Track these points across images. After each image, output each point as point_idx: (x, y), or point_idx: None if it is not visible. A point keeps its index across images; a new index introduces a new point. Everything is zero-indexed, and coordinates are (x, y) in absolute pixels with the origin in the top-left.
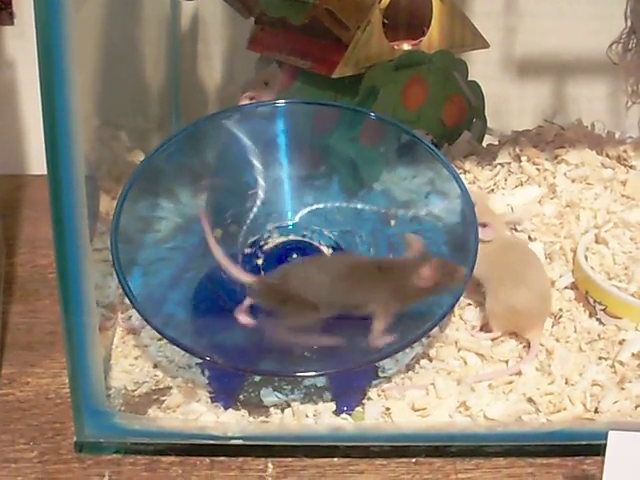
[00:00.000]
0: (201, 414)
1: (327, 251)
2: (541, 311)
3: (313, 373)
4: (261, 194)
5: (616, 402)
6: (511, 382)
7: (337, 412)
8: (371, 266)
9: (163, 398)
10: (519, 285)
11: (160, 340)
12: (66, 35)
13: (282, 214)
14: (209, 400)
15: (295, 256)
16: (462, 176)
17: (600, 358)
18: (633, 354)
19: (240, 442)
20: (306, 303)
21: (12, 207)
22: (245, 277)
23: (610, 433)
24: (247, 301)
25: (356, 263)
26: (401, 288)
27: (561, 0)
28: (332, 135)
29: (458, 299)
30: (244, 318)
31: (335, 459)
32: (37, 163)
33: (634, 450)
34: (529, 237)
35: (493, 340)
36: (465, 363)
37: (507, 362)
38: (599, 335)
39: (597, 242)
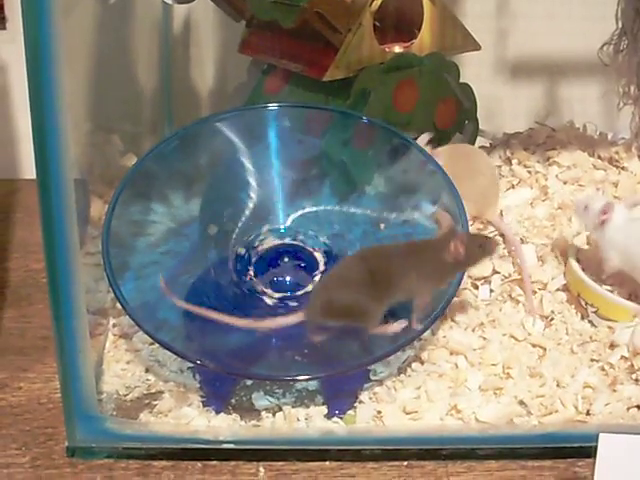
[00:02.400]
0: (193, 418)
1: (318, 254)
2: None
3: (304, 377)
4: (253, 197)
5: (608, 404)
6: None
7: (329, 416)
8: (404, 251)
9: (155, 402)
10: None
11: (152, 344)
12: (55, 40)
13: (274, 217)
14: (201, 404)
15: (286, 259)
16: None
17: (592, 360)
18: (624, 356)
19: (232, 446)
20: (360, 308)
21: (5, 211)
22: (294, 317)
23: (601, 436)
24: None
25: (387, 252)
26: (436, 266)
27: (553, 2)
28: (324, 138)
29: (449, 301)
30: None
31: (327, 463)
32: (30, 167)
33: (625, 452)
34: (521, 239)
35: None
36: (456, 366)
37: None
38: (591, 337)
39: (589, 244)
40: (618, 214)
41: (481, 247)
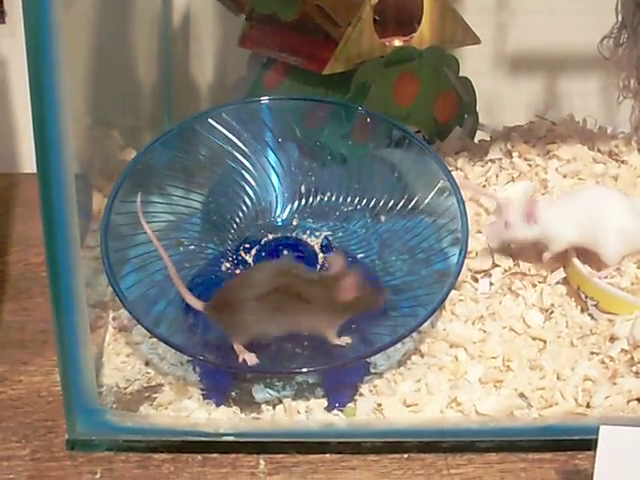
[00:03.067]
0: (193, 411)
1: (317, 247)
2: None
3: (304, 370)
4: (252, 190)
5: (608, 397)
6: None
7: (329, 408)
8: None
9: (155, 395)
10: None
11: (152, 338)
12: (55, 34)
13: (273, 210)
14: (201, 397)
15: (286, 252)
16: (454, 172)
17: (592, 353)
18: (624, 349)
19: (232, 439)
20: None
21: (5, 205)
22: (197, 303)
23: (601, 428)
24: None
25: (285, 281)
26: (331, 302)
27: None
28: (323, 132)
29: (448, 294)
30: (248, 356)
31: (327, 455)
32: (29, 161)
33: (625, 445)
34: None
35: None
36: (456, 359)
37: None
38: (591, 330)
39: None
40: (543, 203)
41: (373, 294)
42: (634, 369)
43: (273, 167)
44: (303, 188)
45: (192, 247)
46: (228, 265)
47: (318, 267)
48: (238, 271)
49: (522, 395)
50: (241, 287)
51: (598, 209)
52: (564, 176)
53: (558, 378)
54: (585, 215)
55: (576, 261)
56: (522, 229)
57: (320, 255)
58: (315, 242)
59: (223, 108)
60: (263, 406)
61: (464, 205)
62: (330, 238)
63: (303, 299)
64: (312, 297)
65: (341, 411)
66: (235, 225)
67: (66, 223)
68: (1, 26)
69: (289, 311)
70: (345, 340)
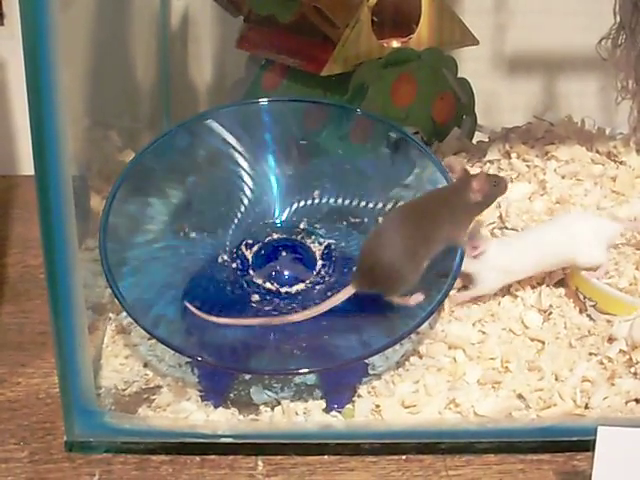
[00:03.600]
0: (191, 413)
1: (316, 248)
2: None
3: (303, 371)
4: (251, 192)
5: (606, 398)
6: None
7: (327, 410)
8: (434, 201)
9: (153, 397)
10: None
11: (150, 339)
12: (53, 35)
13: (272, 211)
14: (199, 399)
15: (284, 254)
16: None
17: (590, 354)
18: (622, 350)
19: (230, 440)
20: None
21: (3, 207)
22: (344, 293)
23: (599, 429)
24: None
25: (417, 209)
26: (463, 208)
27: None
28: (322, 133)
29: (446, 295)
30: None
31: (325, 457)
32: (28, 163)
33: (623, 445)
34: None
35: None
36: (455, 360)
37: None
38: (589, 331)
39: None
40: (491, 244)
41: (495, 185)
42: (632, 370)
43: (271, 168)
44: (301, 189)
45: (190, 249)
46: (227, 266)
47: (315, 272)
48: (238, 272)
49: (520, 396)
50: (381, 245)
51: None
52: (562, 177)
53: (556, 379)
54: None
55: None
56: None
57: (317, 256)
58: (316, 246)
59: (222, 109)
60: (261, 408)
61: None
62: (330, 240)
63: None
64: (447, 209)
65: (339, 412)
66: (233, 226)
67: (64, 225)
68: (0, 28)
69: (426, 233)
70: (417, 299)
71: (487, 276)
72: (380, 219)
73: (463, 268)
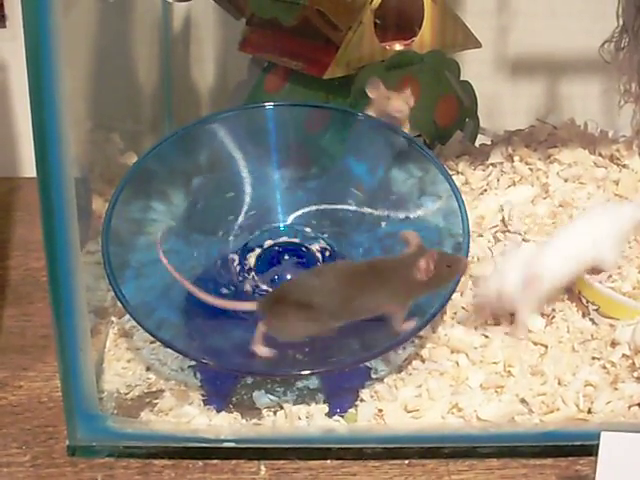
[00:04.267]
0: (194, 417)
1: (318, 252)
2: None
3: (305, 372)
4: (253, 196)
5: (609, 402)
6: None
7: (330, 414)
8: (370, 268)
9: (156, 401)
10: None
11: (153, 343)
12: (55, 38)
13: (274, 216)
14: (202, 403)
15: (287, 258)
16: (454, 177)
17: (593, 358)
18: (625, 355)
19: (233, 445)
20: (317, 311)
21: (5, 210)
22: (246, 305)
23: (602, 434)
24: (260, 330)
25: (354, 268)
26: (404, 285)
27: None
28: (324, 137)
29: (449, 299)
30: (261, 350)
31: (328, 461)
32: (30, 166)
33: (626, 450)
34: (522, 238)
35: None
36: (457, 364)
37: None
38: (592, 335)
39: None
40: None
41: (450, 267)
42: (635, 374)
43: (274, 172)
44: (304, 193)
45: (193, 253)
46: (229, 270)
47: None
48: (241, 276)
49: (523, 401)
50: (304, 290)
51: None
52: (565, 180)
53: (559, 383)
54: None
55: None
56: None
57: (320, 261)
58: (316, 247)
59: (224, 113)
60: (264, 412)
61: (465, 209)
62: (332, 244)
63: (374, 285)
64: (385, 281)
65: (342, 417)
66: (236, 230)
67: (66, 228)
68: (2, 30)
69: (357, 302)
70: (410, 325)
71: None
72: (385, 228)
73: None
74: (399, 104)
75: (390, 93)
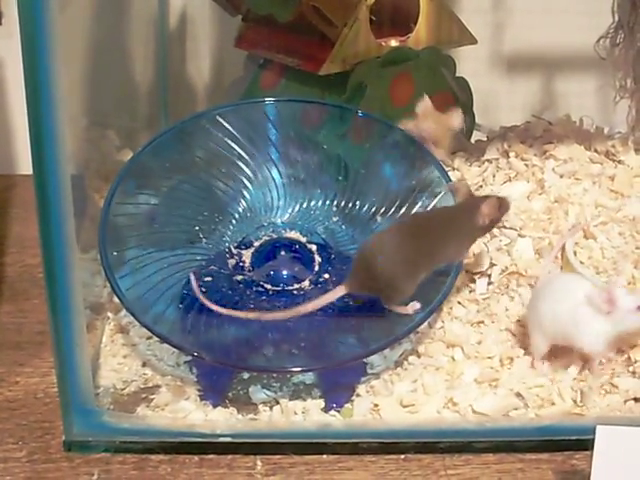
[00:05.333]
0: (190, 412)
1: (315, 248)
2: None
3: (302, 368)
4: (249, 192)
5: (605, 397)
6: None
7: (326, 409)
8: (438, 220)
9: (152, 396)
10: None
11: (149, 339)
12: (51, 35)
13: (270, 212)
14: (198, 398)
15: (283, 253)
16: (450, 173)
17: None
18: (620, 349)
19: (229, 440)
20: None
21: (1, 207)
22: (335, 293)
23: (598, 428)
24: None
25: (423, 223)
26: (468, 230)
27: None
28: (320, 133)
29: (446, 295)
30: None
31: (324, 456)
32: (26, 163)
33: (622, 444)
34: (518, 234)
35: None
36: (453, 359)
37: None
38: None
39: (586, 237)
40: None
41: (501, 209)
42: (631, 369)
43: (270, 168)
44: (300, 189)
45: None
46: (226, 265)
47: (314, 272)
48: (238, 271)
49: (519, 395)
50: (380, 252)
51: None
52: (561, 176)
53: (555, 378)
54: None
55: (573, 260)
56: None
57: (317, 257)
58: (313, 243)
59: (220, 109)
60: (260, 407)
61: None
62: (327, 239)
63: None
64: (454, 229)
65: (338, 412)
66: (232, 226)
67: (62, 224)
68: None
69: (428, 249)
70: (414, 307)
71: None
72: (381, 224)
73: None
74: (428, 125)
75: (432, 113)
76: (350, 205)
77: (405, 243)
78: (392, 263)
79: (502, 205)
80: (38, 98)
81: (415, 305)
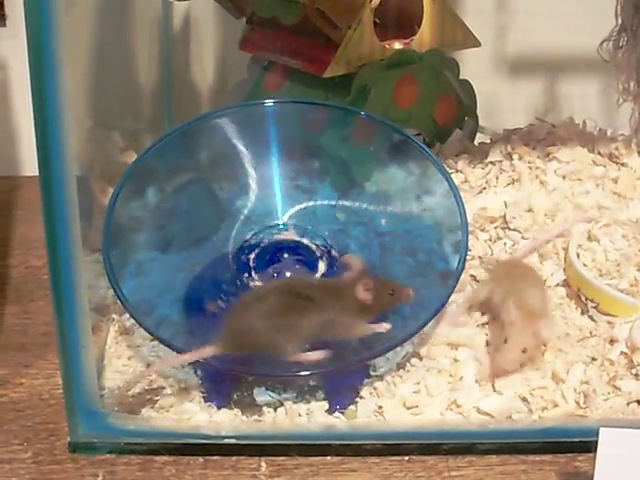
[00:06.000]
0: (194, 414)
1: (318, 251)
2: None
3: (305, 373)
4: (252, 193)
5: (608, 399)
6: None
7: (330, 411)
8: (321, 289)
9: (156, 398)
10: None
11: (153, 340)
12: (57, 37)
13: (273, 214)
14: (202, 400)
15: (286, 255)
16: (454, 175)
17: (591, 356)
18: (623, 352)
19: (233, 441)
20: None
21: (6, 208)
22: (204, 352)
23: (601, 430)
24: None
25: (304, 288)
26: (348, 308)
27: None
28: (324, 135)
29: (449, 296)
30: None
31: (328, 457)
32: (30, 164)
33: (625, 446)
34: (521, 236)
35: None
36: (455, 361)
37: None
38: (591, 332)
39: (589, 239)
40: None
41: (393, 294)
42: (634, 371)
43: (274, 170)
44: (303, 191)
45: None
46: (228, 268)
47: (317, 274)
48: (240, 274)
49: (522, 398)
50: (250, 319)
51: None
52: (564, 178)
53: (558, 380)
54: None
55: (576, 262)
56: None
57: (320, 258)
58: (316, 245)
59: (224, 111)
60: (264, 409)
61: (464, 207)
62: (330, 241)
63: (319, 308)
64: (328, 304)
65: (342, 413)
66: (235, 227)
67: (68, 226)
68: (2, 29)
69: (309, 324)
70: (385, 326)
71: None
72: (385, 226)
73: None
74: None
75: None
76: (353, 207)
77: (277, 305)
78: (260, 324)
79: (394, 290)
80: (44, 99)
81: (386, 325)
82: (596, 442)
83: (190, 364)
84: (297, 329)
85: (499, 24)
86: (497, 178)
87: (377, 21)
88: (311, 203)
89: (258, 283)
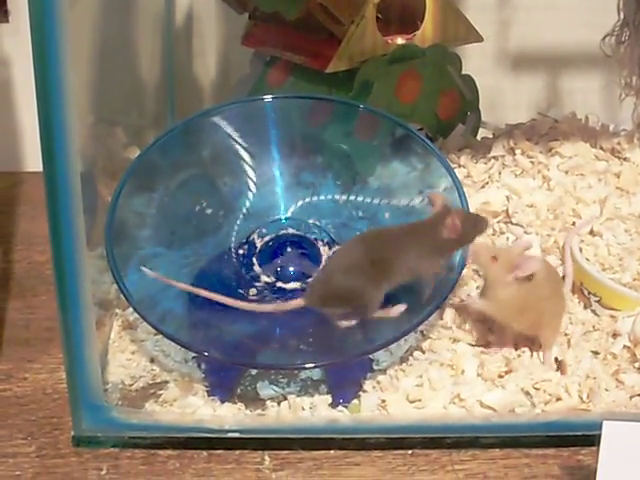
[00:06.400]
0: (198, 407)
1: (321, 244)
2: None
3: (309, 365)
4: (256, 188)
5: (610, 392)
6: (507, 371)
7: (333, 405)
8: (402, 233)
9: (160, 392)
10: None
11: (157, 335)
12: (60, 32)
13: (276, 208)
14: (206, 394)
15: (290, 250)
16: (456, 169)
17: (594, 350)
18: (626, 346)
19: (237, 435)
20: (359, 293)
21: (9, 204)
22: (294, 303)
23: (604, 423)
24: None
25: (386, 235)
26: (433, 245)
27: None
28: (327, 130)
29: (451, 290)
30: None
31: (331, 451)
32: (33, 160)
33: (628, 440)
34: (524, 231)
35: None
36: (457, 354)
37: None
38: (594, 326)
39: (592, 234)
40: None
41: (475, 225)
42: (636, 365)
43: (276, 165)
44: (306, 186)
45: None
46: (232, 262)
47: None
48: (244, 268)
49: (525, 391)
50: (337, 267)
51: None
52: (566, 173)
53: (561, 374)
54: None
55: (579, 257)
56: None
57: (323, 252)
58: (319, 239)
59: (226, 106)
60: (268, 402)
61: (467, 202)
62: (334, 235)
63: (407, 248)
64: (417, 242)
65: (345, 407)
66: (238, 222)
67: (72, 221)
68: (5, 25)
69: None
70: (398, 309)
71: None
72: (388, 220)
73: None
74: None
75: None
76: (357, 201)
77: (362, 257)
78: (347, 278)
79: (476, 221)
80: (48, 95)
81: (400, 307)
82: (599, 436)
83: (193, 358)
84: (380, 280)
85: (501, 19)
86: (499, 173)
87: (380, 16)
88: (314, 198)
89: (262, 277)
